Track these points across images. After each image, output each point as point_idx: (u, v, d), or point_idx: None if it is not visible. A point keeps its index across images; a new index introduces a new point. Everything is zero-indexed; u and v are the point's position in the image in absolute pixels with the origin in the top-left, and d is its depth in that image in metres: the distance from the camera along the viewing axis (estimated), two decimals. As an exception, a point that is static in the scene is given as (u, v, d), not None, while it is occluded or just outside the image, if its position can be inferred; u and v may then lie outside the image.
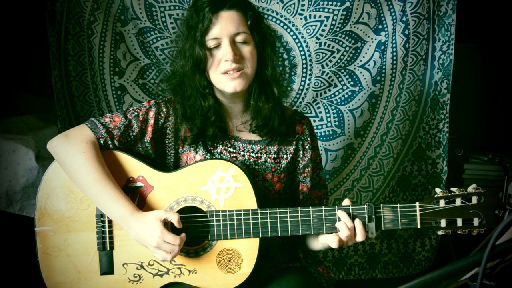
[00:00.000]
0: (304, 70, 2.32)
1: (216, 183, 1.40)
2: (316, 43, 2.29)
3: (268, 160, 1.52)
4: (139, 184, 1.43)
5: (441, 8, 2.34)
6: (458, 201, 1.32)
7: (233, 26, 1.40)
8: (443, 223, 1.33)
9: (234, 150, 1.51)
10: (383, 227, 1.36)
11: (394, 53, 2.34)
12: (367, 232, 1.36)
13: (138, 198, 1.43)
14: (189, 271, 1.42)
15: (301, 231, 1.38)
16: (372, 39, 2.33)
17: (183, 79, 1.48)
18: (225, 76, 1.41)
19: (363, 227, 1.35)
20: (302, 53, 2.30)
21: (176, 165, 1.52)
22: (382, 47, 2.33)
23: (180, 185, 1.42)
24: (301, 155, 1.56)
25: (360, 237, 1.35)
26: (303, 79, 2.33)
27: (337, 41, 2.30)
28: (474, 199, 1.32)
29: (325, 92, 2.36)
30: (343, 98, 2.38)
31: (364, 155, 2.45)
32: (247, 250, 1.39)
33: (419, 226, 1.34)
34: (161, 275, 1.42)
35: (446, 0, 2.33)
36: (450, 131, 2.48)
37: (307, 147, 1.56)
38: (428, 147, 2.50)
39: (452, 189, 1.34)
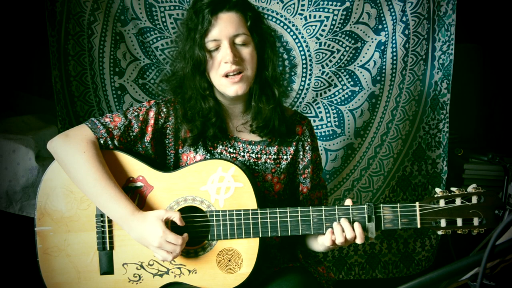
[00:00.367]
0: (304, 70, 2.32)
1: (216, 183, 1.40)
2: (316, 43, 2.29)
3: (268, 161, 1.52)
4: (139, 184, 1.43)
5: (441, 8, 2.34)
6: (458, 201, 1.32)
7: (232, 27, 1.40)
8: (443, 223, 1.33)
9: (234, 151, 1.51)
10: (383, 227, 1.36)
11: (394, 53, 2.34)
12: (367, 232, 1.36)
13: (138, 198, 1.43)
14: (189, 271, 1.42)
15: (301, 231, 1.38)
16: (372, 39, 2.33)
17: (183, 80, 1.48)
18: (226, 80, 1.40)
19: (362, 230, 1.35)
20: (302, 53, 2.30)
21: (176, 165, 1.51)
22: (382, 47, 2.33)
23: (180, 185, 1.42)
24: (301, 156, 1.55)
25: (359, 240, 1.35)
26: (303, 79, 2.33)
27: (337, 41, 2.30)
28: (474, 199, 1.32)
29: (325, 92, 2.36)
30: (343, 98, 2.37)
31: (364, 155, 2.45)
32: (247, 250, 1.39)
33: (419, 226, 1.34)
34: (161, 275, 1.42)
35: (446, 0, 2.33)
36: (450, 131, 2.48)
37: (307, 148, 1.55)
38: (428, 147, 2.50)
39: (452, 189, 1.34)
